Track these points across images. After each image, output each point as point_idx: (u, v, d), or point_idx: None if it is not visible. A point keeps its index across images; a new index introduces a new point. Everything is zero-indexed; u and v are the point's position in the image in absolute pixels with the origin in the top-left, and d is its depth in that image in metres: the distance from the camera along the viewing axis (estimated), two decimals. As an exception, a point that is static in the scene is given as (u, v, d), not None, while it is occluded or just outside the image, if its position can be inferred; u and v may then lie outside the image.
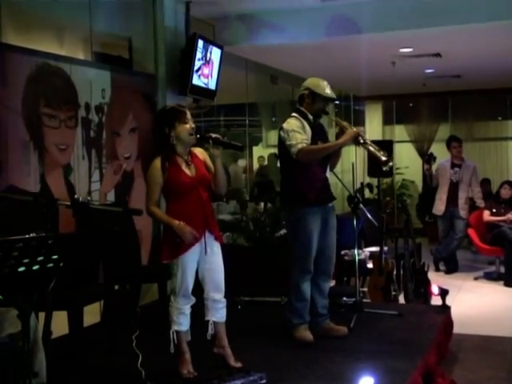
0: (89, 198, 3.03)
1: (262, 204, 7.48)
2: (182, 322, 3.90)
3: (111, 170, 5.64)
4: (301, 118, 4.57)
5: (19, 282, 2.25)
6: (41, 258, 2.25)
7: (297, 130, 4.48)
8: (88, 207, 2.78)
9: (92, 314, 4.92)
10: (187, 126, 3.84)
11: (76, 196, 2.84)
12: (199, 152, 3.99)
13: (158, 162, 3.82)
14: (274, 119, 9.99)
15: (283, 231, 5.95)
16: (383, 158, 4.50)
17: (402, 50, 8.00)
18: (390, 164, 4.55)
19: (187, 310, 3.91)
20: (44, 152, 4.88)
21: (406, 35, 7.14)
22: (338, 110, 11.39)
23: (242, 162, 12.80)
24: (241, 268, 5.73)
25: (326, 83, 4.62)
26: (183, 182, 3.82)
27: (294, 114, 4.62)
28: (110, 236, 2.58)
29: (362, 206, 5.13)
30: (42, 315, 4.23)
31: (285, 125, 4.56)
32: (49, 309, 2.76)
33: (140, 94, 6.01)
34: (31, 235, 2.39)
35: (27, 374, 2.33)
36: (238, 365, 3.98)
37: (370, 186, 11.79)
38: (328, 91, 4.59)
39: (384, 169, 4.55)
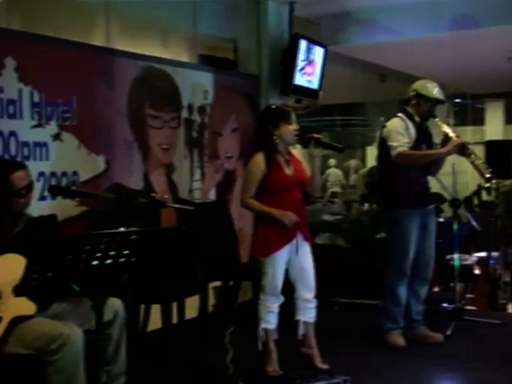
0: (166, 196, 3.11)
1: (367, 205, 7.37)
2: (270, 320, 3.94)
3: (213, 169, 5.77)
4: (406, 119, 4.46)
5: (93, 274, 2.37)
6: (113, 253, 2.36)
7: (400, 132, 4.39)
8: (163, 205, 2.88)
9: (194, 308, 5.08)
10: (291, 127, 3.88)
11: (153, 194, 2.95)
12: (297, 153, 4.02)
13: (259, 158, 3.86)
14: (382, 119, 9.81)
15: (384, 233, 5.83)
16: (487, 175, 4.36)
17: (519, 46, 7.60)
18: (494, 181, 4.37)
19: (275, 308, 3.94)
20: (148, 151, 5.08)
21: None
22: (456, 108, 11.00)
23: (353, 162, 12.71)
24: (338, 269, 5.69)
25: (434, 85, 4.50)
26: (282, 181, 3.86)
27: (399, 114, 4.51)
28: (177, 233, 2.65)
29: (464, 209, 4.94)
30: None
31: (388, 124, 4.48)
32: (129, 302, 2.88)
33: (242, 94, 6.12)
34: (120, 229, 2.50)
35: (100, 362, 2.45)
36: (325, 366, 3.97)
37: (488, 188, 11.28)
38: (435, 93, 4.46)
39: (486, 185, 4.40)
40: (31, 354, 2.82)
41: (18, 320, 2.88)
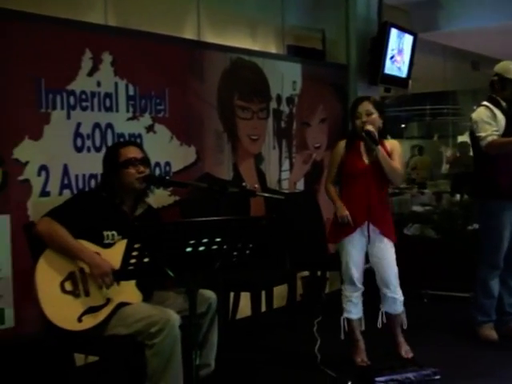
0: (256, 185, 3.16)
1: (458, 196, 7.20)
2: (351, 310, 3.96)
3: (301, 159, 5.81)
4: (491, 107, 4.34)
5: (187, 261, 2.46)
6: (206, 240, 2.44)
7: (486, 121, 4.27)
8: (254, 194, 2.93)
9: (282, 297, 5.15)
10: (358, 121, 3.86)
11: (244, 184, 3.01)
12: (390, 143, 3.96)
13: (341, 143, 3.97)
14: (475, 107, 9.54)
15: (476, 225, 5.69)
16: None
17: None
18: None
19: (355, 298, 3.94)
20: (237, 142, 5.16)
21: None
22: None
23: (448, 152, 12.42)
24: (428, 260, 5.61)
25: None
26: (354, 167, 3.88)
27: (484, 103, 4.41)
28: (268, 222, 2.69)
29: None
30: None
31: (474, 115, 4.40)
32: (220, 289, 2.96)
33: (331, 84, 6.11)
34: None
35: (195, 345, 2.54)
36: (409, 356, 3.97)
37: None
38: None
39: None
40: (131, 338, 2.94)
41: (123, 304, 3.02)
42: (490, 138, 4.22)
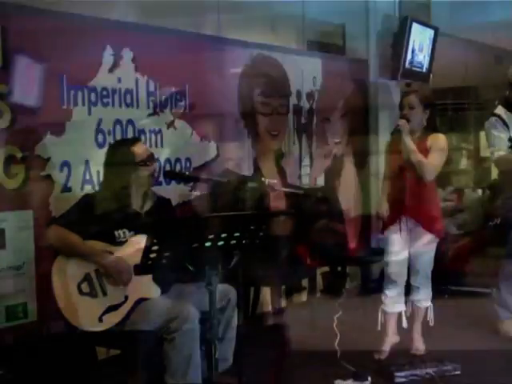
0: (275, 181, 3.17)
1: (480, 191, 7.16)
2: (384, 302, 3.98)
3: (321, 154, 5.79)
4: (503, 115, 4.26)
5: (206, 255, 2.48)
6: (224, 235, 2.45)
7: (495, 134, 4.23)
8: (273, 189, 2.95)
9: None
10: (400, 113, 3.90)
11: (262, 179, 3.03)
12: (431, 137, 3.87)
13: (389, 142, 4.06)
14: (497, 102, 9.41)
15: (498, 220, 5.65)
16: None
17: None
18: None
19: (388, 290, 3.95)
20: (257, 137, 5.17)
21: None
22: None
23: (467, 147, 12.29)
24: (449, 256, 5.58)
25: None
26: (391, 165, 3.96)
27: (495, 112, 4.31)
28: (286, 217, 2.70)
29: None
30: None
31: (486, 124, 4.34)
32: (239, 284, 2.97)
33: (351, 79, 6.08)
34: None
35: (214, 339, 2.56)
36: (418, 353, 3.99)
37: None
38: None
39: None
40: (151, 333, 2.96)
41: (142, 300, 3.04)
42: (496, 154, 4.20)
